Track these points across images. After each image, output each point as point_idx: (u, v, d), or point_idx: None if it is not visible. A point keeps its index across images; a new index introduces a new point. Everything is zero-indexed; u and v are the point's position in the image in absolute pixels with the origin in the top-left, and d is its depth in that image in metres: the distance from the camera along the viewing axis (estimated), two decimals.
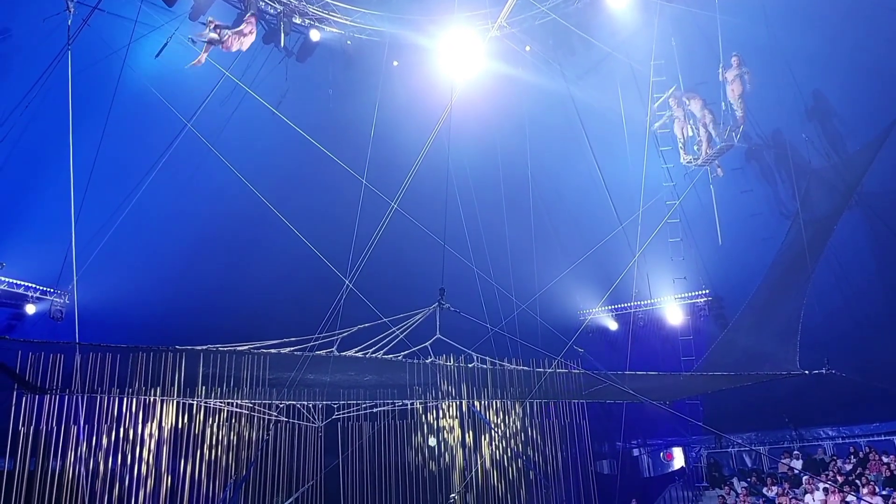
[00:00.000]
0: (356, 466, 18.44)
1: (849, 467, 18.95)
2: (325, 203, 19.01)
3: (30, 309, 17.24)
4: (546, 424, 18.11)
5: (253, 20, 16.19)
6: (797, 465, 19.69)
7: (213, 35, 15.09)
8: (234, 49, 15.84)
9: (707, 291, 20.33)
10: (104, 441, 14.65)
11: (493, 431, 17.89)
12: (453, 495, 17.77)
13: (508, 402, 17.81)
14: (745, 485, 19.95)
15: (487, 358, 15.40)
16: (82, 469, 13.74)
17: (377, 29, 18.82)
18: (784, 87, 16.62)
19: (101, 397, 14.50)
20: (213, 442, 16.17)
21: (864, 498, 16.27)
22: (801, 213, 16.97)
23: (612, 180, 17.80)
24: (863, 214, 17.65)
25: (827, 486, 17.34)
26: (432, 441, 18.04)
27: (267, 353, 14.25)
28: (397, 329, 13.83)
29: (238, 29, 15.84)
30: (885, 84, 15.89)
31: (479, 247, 17.73)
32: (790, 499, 17.83)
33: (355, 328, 14.05)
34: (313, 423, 18.18)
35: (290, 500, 17.34)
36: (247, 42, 16.07)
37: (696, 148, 16.77)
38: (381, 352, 14.07)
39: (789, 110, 17.32)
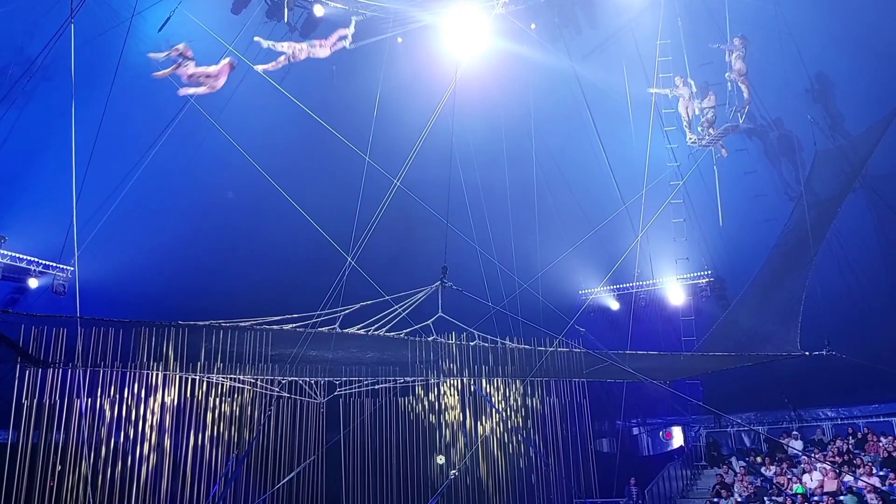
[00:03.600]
0: (357, 442, 18.59)
1: (846, 448, 19.06)
2: (328, 180, 18.95)
3: (32, 283, 17.23)
4: (546, 403, 18.21)
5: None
6: (797, 445, 19.80)
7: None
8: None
9: (709, 272, 20.34)
10: (107, 415, 14.75)
11: (494, 410, 17.98)
12: (453, 471, 17.91)
13: (509, 381, 17.89)
14: (744, 464, 20.06)
15: (489, 336, 15.44)
16: (85, 442, 13.79)
17: (381, 5, 18.62)
18: (791, 67, 16.53)
19: (103, 371, 14.57)
20: (216, 417, 16.28)
21: (861, 478, 16.38)
22: (804, 194, 16.92)
23: (615, 160, 17.73)
24: (867, 197, 17.60)
25: (825, 465, 17.45)
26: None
27: (269, 329, 14.24)
28: (399, 307, 13.82)
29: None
30: (892, 65, 15.77)
31: (482, 225, 17.71)
32: (788, 478, 17.95)
33: (358, 305, 14.02)
34: (315, 399, 18.26)
35: (291, 475, 17.48)
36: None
37: (699, 129, 16.73)
38: (384, 329, 14.05)
39: (795, 91, 17.25)
